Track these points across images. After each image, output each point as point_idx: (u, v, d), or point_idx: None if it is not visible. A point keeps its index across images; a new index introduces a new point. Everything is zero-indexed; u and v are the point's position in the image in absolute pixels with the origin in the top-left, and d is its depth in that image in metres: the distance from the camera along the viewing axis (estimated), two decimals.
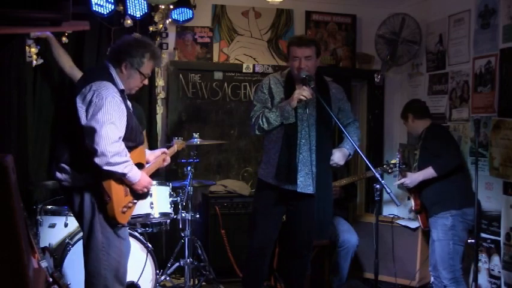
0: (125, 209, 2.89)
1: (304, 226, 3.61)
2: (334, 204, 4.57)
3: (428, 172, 3.98)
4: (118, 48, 2.97)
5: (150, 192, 3.30)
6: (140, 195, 2.99)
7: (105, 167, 2.72)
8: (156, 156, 3.29)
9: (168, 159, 3.39)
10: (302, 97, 3.42)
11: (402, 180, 4.15)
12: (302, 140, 3.54)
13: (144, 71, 2.97)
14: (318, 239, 3.75)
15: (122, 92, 2.93)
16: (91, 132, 2.71)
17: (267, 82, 3.69)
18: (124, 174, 2.79)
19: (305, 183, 3.54)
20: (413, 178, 4.08)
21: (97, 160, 2.71)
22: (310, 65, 3.55)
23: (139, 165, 3.01)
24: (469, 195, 3.98)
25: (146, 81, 3.08)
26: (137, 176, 2.88)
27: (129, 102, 3.04)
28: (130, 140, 2.92)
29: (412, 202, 4.23)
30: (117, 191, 2.83)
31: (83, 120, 2.76)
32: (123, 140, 2.82)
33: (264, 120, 3.56)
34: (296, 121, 3.51)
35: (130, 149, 2.90)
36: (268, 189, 3.61)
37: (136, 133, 3.00)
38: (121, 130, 2.82)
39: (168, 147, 3.59)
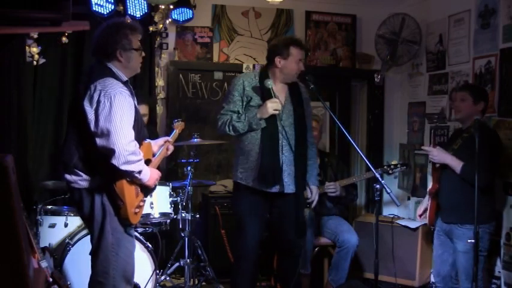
0: (137, 210, 2.89)
1: (290, 225, 3.59)
2: (335, 203, 4.60)
3: (457, 165, 3.65)
4: (101, 44, 2.92)
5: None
6: (150, 190, 3.00)
7: (123, 167, 2.70)
8: (159, 146, 3.27)
9: (172, 147, 3.34)
10: (275, 111, 3.42)
11: (430, 149, 3.81)
12: (283, 141, 3.53)
13: (136, 46, 2.95)
14: (299, 238, 3.70)
15: (126, 83, 2.92)
16: (106, 133, 2.69)
17: (241, 83, 3.59)
18: (140, 172, 2.79)
19: (288, 183, 3.55)
20: (442, 156, 3.73)
21: (114, 161, 2.69)
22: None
23: (148, 161, 3.01)
24: (495, 208, 3.84)
25: (143, 53, 3.06)
26: (148, 173, 2.88)
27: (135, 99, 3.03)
28: (138, 133, 2.90)
29: (430, 183, 3.93)
30: (129, 193, 2.83)
31: (94, 123, 2.73)
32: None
33: (230, 128, 3.52)
34: (276, 122, 3.50)
35: (138, 143, 2.89)
36: (249, 192, 3.56)
37: (141, 126, 2.99)
38: (133, 125, 2.81)
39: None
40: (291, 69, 3.56)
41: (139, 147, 2.86)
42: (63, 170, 2.88)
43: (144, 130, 3.08)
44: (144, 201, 2.99)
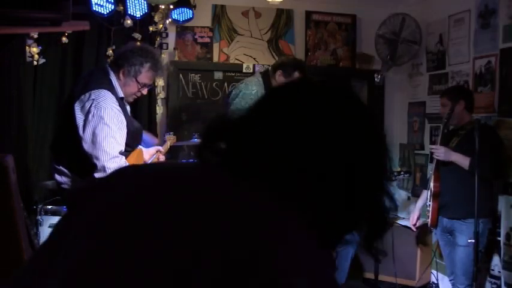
0: None
1: None
2: None
3: (463, 161, 3.69)
4: (120, 53, 2.94)
5: None
6: None
7: None
8: (151, 155, 3.28)
9: (162, 157, 3.37)
10: None
11: (436, 147, 3.85)
12: None
13: (141, 80, 2.92)
14: None
15: (121, 99, 2.90)
16: (91, 145, 2.70)
17: (255, 93, 3.63)
18: None
19: None
20: (448, 154, 3.77)
21: (97, 175, 2.70)
22: None
23: None
24: (495, 202, 3.92)
25: (145, 91, 3.02)
26: None
27: (128, 107, 3.02)
28: (128, 146, 2.90)
29: (431, 183, 3.90)
30: None
31: (82, 130, 2.73)
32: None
33: None
34: None
35: (128, 153, 2.88)
36: None
37: (136, 138, 2.98)
38: (121, 143, 2.78)
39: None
40: None
41: (131, 155, 2.86)
42: (54, 169, 2.88)
43: (140, 138, 3.08)
44: None
